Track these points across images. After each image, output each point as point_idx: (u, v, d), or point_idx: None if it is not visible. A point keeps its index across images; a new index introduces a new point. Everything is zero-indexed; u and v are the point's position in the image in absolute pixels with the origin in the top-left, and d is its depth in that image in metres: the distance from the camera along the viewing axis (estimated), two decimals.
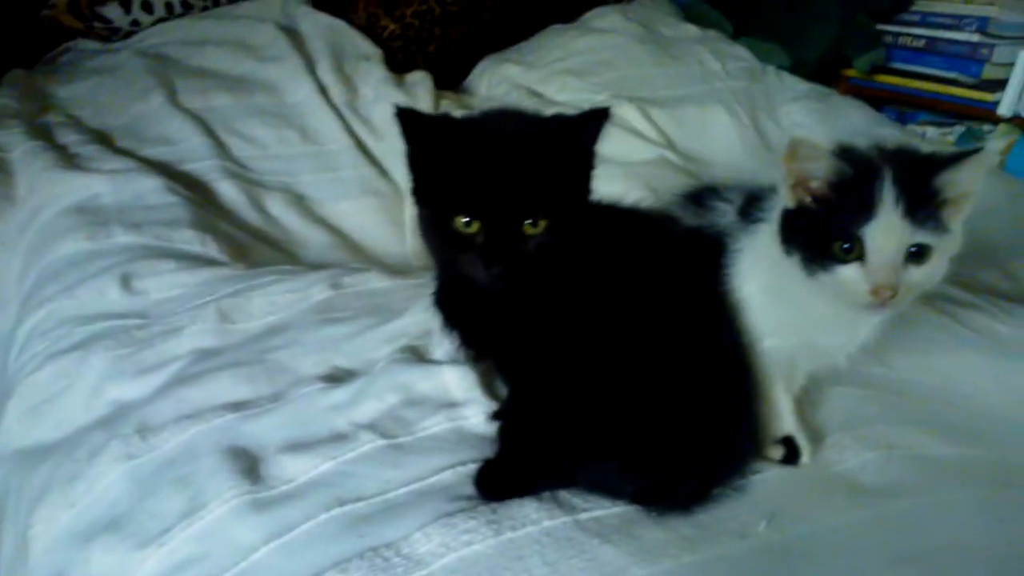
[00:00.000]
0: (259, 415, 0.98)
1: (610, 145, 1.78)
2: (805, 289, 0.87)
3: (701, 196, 1.02)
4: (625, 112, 1.90)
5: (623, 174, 1.64)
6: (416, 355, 1.06)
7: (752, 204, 0.96)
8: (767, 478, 0.90)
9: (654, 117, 1.91)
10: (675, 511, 0.83)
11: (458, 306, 0.84)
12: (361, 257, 1.54)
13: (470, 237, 0.76)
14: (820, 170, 0.83)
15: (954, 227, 0.82)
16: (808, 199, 0.85)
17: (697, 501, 0.85)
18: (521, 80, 2.09)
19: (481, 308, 0.82)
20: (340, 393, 1.00)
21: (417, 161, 0.79)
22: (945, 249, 0.82)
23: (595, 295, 0.81)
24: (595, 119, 0.78)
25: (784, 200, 0.87)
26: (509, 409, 0.86)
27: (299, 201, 1.63)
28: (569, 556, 0.77)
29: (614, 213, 0.88)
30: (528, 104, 1.84)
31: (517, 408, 0.86)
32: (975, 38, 2.14)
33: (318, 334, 1.14)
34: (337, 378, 1.05)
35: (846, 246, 0.81)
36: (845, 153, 0.84)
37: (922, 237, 0.80)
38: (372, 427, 0.94)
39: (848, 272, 0.82)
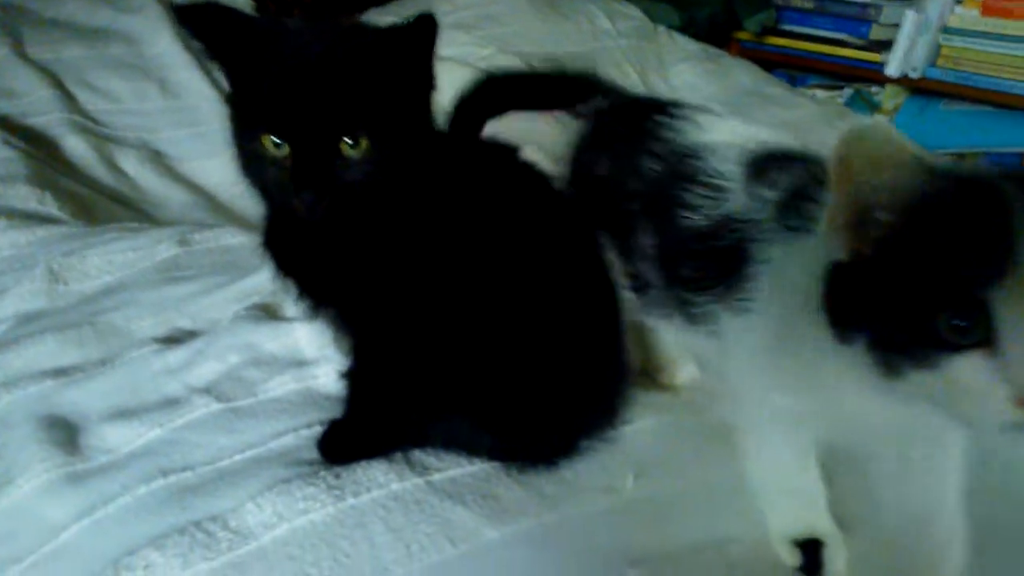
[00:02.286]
0: (83, 381, 0.89)
1: None
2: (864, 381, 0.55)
3: (764, 164, 0.72)
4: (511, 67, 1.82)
5: (509, 129, 1.57)
6: (267, 313, 0.97)
7: (798, 200, 0.65)
8: (639, 428, 0.83)
9: None
10: (538, 467, 0.77)
11: (289, 248, 0.74)
12: (226, 218, 1.43)
13: (281, 160, 0.65)
14: (898, 188, 0.50)
15: None
16: (868, 249, 0.52)
17: (562, 455, 0.78)
18: None
19: (313, 249, 0.72)
20: (176, 355, 0.91)
21: (224, 67, 0.68)
22: None
23: (442, 236, 0.72)
24: (420, 29, 0.67)
25: (828, 246, 0.55)
26: (353, 365, 0.78)
27: (157, 158, 1.53)
28: (416, 521, 0.70)
29: (468, 146, 0.79)
30: None
31: (361, 363, 0.77)
32: None
33: (159, 294, 1.04)
34: (177, 340, 0.95)
35: (961, 322, 0.47)
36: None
37: None
38: (208, 390, 0.86)
39: (967, 367, 0.48)
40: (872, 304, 0.52)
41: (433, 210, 0.72)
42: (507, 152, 0.82)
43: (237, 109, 0.69)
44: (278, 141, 0.64)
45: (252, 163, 0.68)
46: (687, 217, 0.73)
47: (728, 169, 0.72)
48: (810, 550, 0.67)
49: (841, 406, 0.61)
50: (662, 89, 1.96)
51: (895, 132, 0.49)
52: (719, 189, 0.72)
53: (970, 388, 0.48)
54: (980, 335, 0.47)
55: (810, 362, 0.60)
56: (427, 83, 0.71)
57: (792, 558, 0.68)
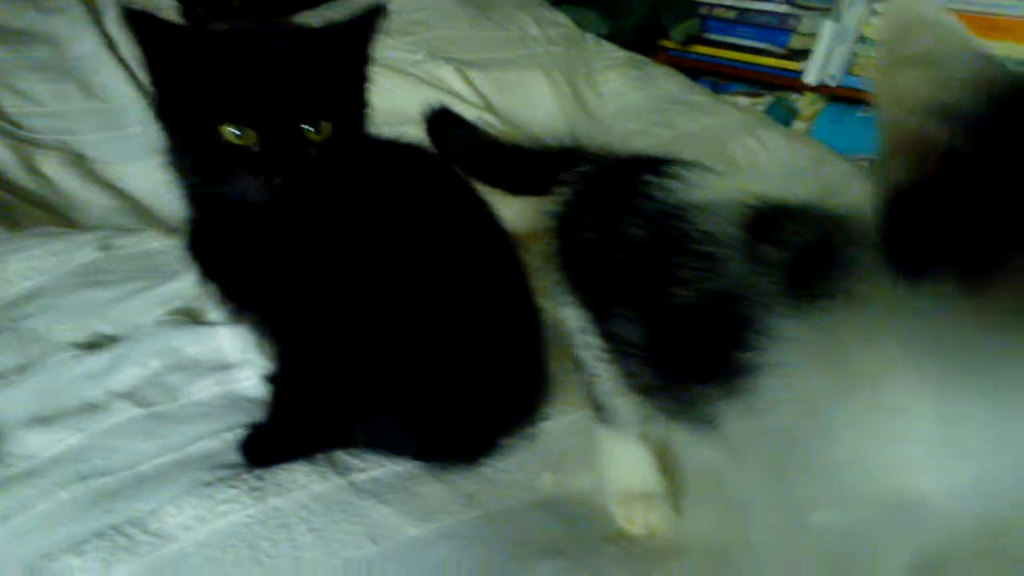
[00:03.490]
0: (3, 387, 0.89)
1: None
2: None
3: (768, 220, 0.57)
4: (443, 73, 1.83)
5: None
6: (190, 317, 0.97)
7: (815, 259, 0.52)
8: (558, 426, 0.86)
9: (472, 79, 1.86)
10: (461, 466, 0.79)
11: (213, 252, 0.75)
12: (148, 222, 1.41)
13: (243, 150, 0.67)
14: (964, 84, 0.39)
15: None
16: (935, 164, 0.40)
17: (484, 454, 0.80)
18: None
19: (243, 251, 0.73)
20: (96, 360, 0.91)
21: (164, 74, 0.69)
22: None
23: (369, 238, 0.74)
24: (370, 17, 0.72)
25: (883, 181, 0.43)
26: (276, 368, 0.79)
27: (79, 161, 1.49)
28: (338, 520, 0.71)
29: (393, 150, 0.81)
30: None
31: (285, 366, 0.78)
32: (783, 8, 2.20)
33: (81, 298, 1.03)
34: (98, 345, 0.94)
35: None
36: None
37: None
38: (130, 396, 0.86)
39: None
40: (952, 228, 0.40)
41: (361, 210, 0.74)
42: (430, 158, 0.84)
43: (183, 110, 0.69)
44: (239, 132, 0.66)
45: (204, 159, 0.69)
46: (676, 292, 0.59)
47: (721, 230, 0.58)
48: None
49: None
50: (589, 97, 2.00)
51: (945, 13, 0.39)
52: (712, 257, 0.58)
53: None
54: None
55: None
56: (366, 69, 0.74)
57: None
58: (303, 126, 0.68)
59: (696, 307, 0.58)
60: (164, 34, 0.68)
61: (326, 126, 0.68)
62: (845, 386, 0.47)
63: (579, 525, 0.74)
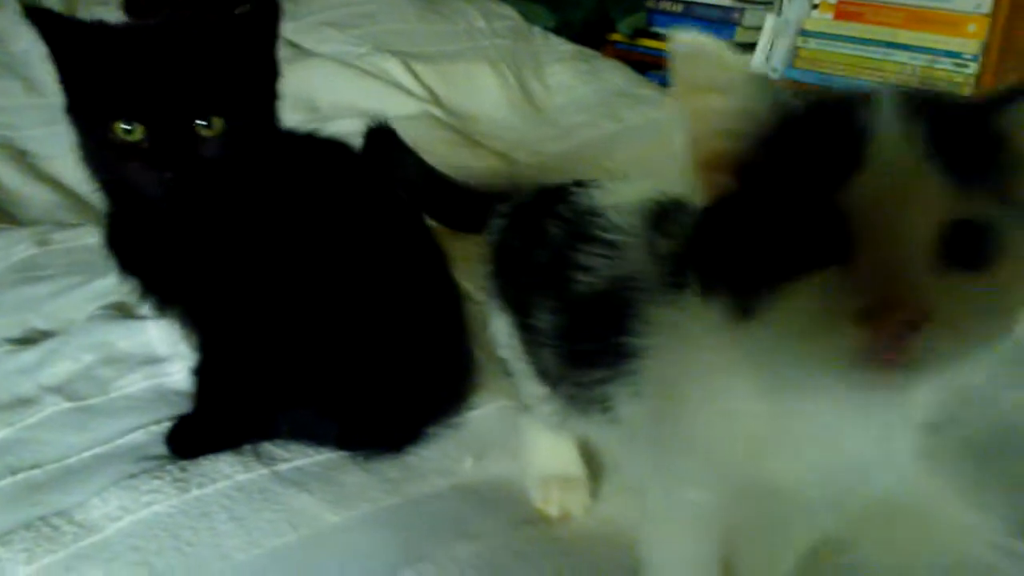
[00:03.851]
0: None
1: (371, 99, 1.76)
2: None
3: (665, 214, 0.60)
4: (388, 66, 1.85)
5: None
6: (122, 312, 0.98)
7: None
8: (483, 415, 0.88)
9: (418, 72, 1.87)
10: (384, 454, 0.81)
11: (132, 246, 0.76)
12: (89, 216, 1.41)
13: (134, 145, 0.68)
14: (746, 106, 0.44)
15: None
16: (728, 180, 0.45)
17: (408, 442, 0.82)
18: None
19: (156, 245, 0.75)
20: (29, 355, 0.92)
21: (65, 70, 0.71)
22: None
23: (283, 230, 0.76)
24: (264, 12, 0.73)
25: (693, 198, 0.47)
26: (200, 360, 0.80)
27: (20, 156, 1.49)
28: (259, 508, 0.73)
29: (309, 144, 0.82)
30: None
31: (207, 358, 0.80)
32: (727, 2, 2.25)
33: (16, 294, 1.05)
34: (32, 340, 0.96)
35: (816, 232, 0.40)
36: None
37: (979, 207, 0.39)
38: (60, 390, 0.88)
39: (817, 288, 0.40)
40: (732, 244, 0.44)
41: (275, 203, 0.76)
42: (346, 150, 0.85)
43: (82, 106, 0.71)
44: (129, 127, 0.68)
45: (102, 155, 0.71)
46: (580, 280, 0.62)
47: (626, 222, 0.61)
48: None
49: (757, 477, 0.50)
50: (537, 90, 2.02)
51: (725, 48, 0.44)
52: (614, 245, 0.61)
53: (821, 309, 0.39)
54: (837, 249, 0.39)
55: (717, 438, 0.51)
56: (271, 66, 0.75)
57: None
58: (196, 121, 0.69)
59: (595, 294, 0.61)
60: (63, 30, 0.69)
61: (218, 121, 0.69)
62: (704, 375, 0.51)
63: (497, 509, 0.76)
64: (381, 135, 1.01)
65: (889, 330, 0.37)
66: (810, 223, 0.40)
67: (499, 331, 0.76)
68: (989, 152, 0.40)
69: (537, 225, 0.70)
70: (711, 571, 0.59)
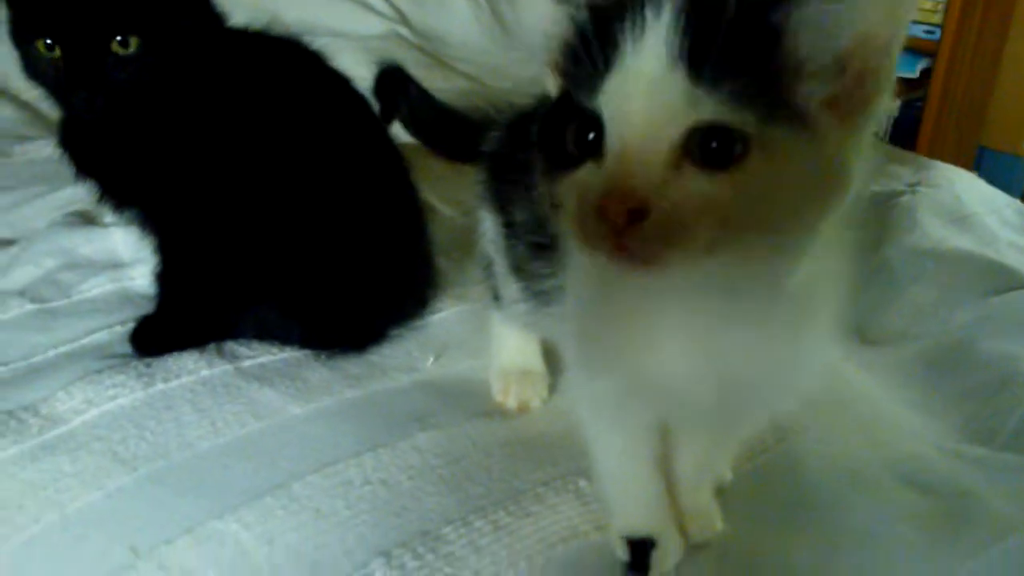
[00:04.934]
0: None
1: (338, 17, 1.74)
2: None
3: None
4: None
5: (351, 47, 1.57)
6: (84, 219, 0.98)
7: None
8: (445, 317, 0.90)
9: None
10: (348, 353, 0.82)
11: (84, 148, 0.77)
12: (51, 131, 1.40)
13: (55, 62, 0.70)
14: (566, 11, 0.46)
15: (834, 125, 0.41)
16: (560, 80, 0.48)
17: (371, 342, 0.84)
18: None
19: (106, 148, 0.75)
20: None
21: None
22: (801, 157, 0.41)
23: (238, 129, 0.76)
24: None
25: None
26: (160, 260, 0.81)
27: None
28: (223, 401, 0.75)
29: (260, 41, 0.81)
30: None
31: (167, 258, 0.80)
32: None
33: None
34: None
35: (581, 133, 0.44)
36: None
37: (725, 111, 0.39)
38: (23, 293, 0.88)
39: (578, 182, 0.44)
40: (548, 136, 0.47)
41: (223, 104, 0.76)
42: (299, 47, 0.84)
43: (15, 24, 0.72)
44: (49, 43, 0.69)
45: (32, 68, 0.72)
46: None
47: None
48: (641, 548, 0.63)
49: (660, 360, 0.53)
50: (506, 10, 1.99)
51: None
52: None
53: (578, 195, 0.43)
54: (597, 145, 0.42)
55: (613, 323, 0.54)
56: None
57: (622, 554, 0.64)
58: (112, 39, 0.69)
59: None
60: None
61: (135, 40, 0.70)
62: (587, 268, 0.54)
63: (457, 403, 0.78)
64: (391, 75, 1.04)
65: (610, 223, 0.40)
66: (577, 121, 0.43)
67: (487, 231, 0.77)
68: (758, 54, 0.40)
69: (522, 131, 0.69)
70: (643, 461, 0.63)
